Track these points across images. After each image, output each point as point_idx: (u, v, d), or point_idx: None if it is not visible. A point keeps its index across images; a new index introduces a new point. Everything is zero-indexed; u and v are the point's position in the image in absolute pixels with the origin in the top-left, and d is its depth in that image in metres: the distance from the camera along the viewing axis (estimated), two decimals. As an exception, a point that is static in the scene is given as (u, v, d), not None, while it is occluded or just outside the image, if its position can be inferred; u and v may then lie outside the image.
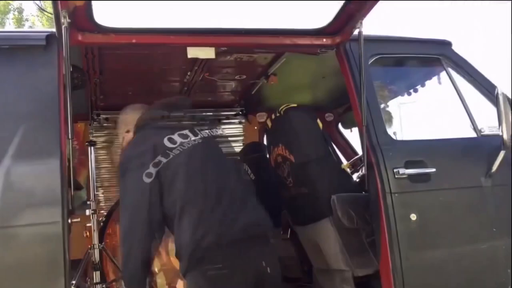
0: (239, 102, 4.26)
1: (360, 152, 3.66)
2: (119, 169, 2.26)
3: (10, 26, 14.87)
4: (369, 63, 2.82)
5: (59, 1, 2.07)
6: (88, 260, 3.21)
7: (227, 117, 4.38)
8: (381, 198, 2.53)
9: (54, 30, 2.30)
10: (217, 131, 3.62)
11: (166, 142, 2.23)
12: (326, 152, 3.07)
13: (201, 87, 3.64)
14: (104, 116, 4.03)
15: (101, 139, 4.12)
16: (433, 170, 2.64)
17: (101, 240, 2.98)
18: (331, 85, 3.81)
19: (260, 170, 3.63)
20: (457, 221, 2.68)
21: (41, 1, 13.68)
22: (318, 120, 3.16)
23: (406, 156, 2.64)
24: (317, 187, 2.94)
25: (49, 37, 2.38)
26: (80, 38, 2.36)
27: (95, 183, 3.79)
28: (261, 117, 4.46)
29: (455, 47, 3.13)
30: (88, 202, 3.41)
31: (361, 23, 2.55)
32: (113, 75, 3.28)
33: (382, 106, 3.15)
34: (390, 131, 2.78)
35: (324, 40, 2.71)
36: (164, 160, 2.16)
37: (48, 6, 12.78)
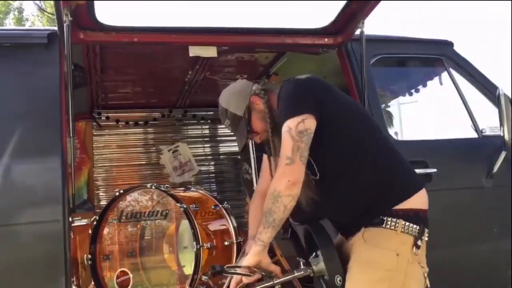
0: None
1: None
2: None
3: (10, 26, 14.88)
4: (371, 63, 2.82)
5: (61, 0, 2.07)
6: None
7: (228, 117, 4.37)
8: (382, 198, 2.52)
9: (56, 28, 2.30)
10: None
11: None
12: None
13: (202, 86, 3.64)
14: (105, 114, 4.02)
15: (102, 137, 4.11)
16: (434, 170, 2.64)
17: (94, 241, 2.96)
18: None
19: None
20: (458, 221, 2.68)
21: (41, 1, 13.70)
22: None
23: (407, 156, 2.60)
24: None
25: (51, 35, 2.38)
26: (81, 36, 2.36)
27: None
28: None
29: (456, 48, 3.14)
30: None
31: (363, 23, 2.55)
32: (115, 73, 3.28)
33: (383, 106, 3.15)
34: (391, 131, 2.78)
35: (326, 39, 2.71)
36: None
37: (49, 6, 12.79)
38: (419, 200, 1.84)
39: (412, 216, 1.80)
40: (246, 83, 2.16)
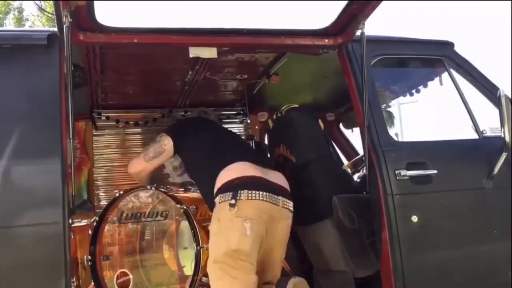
0: (240, 102, 4.25)
1: (361, 152, 3.66)
2: None
3: (10, 26, 14.86)
4: (371, 63, 2.82)
5: (60, 1, 2.07)
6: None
7: (228, 117, 4.38)
8: (382, 199, 2.52)
9: (55, 29, 2.30)
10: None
11: None
12: (327, 152, 3.06)
13: (202, 86, 3.64)
14: (105, 114, 4.02)
15: (102, 137, 4.11)
16: (435, 171, 2.64)
17: (94, 242, 2.95)
18: (333, 85, 3.81)
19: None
20: (458, 223, 2.68)
21: (41, 1, 13.68)
22: (320, 120, 3.15)
23: (408, 157, 2.64)
24: (318, 187, 2.94)
25: (51, 36, 2.38)
26: (81, 37, 2.36)
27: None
28: (262, 116, 4.45)
29: (457, 48, 3.13)
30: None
31: (363, 23, 2.54)
32: (114, 74, 3.28)
33: (383, 106, 3.14)
34: (391, 132, 2.78)
35: (326, 40, 2.71)
36: None
37: (48, 6, 12.78)
38: (227, 175, 2.51)
39: (223, 188, 2.47)
40: None
